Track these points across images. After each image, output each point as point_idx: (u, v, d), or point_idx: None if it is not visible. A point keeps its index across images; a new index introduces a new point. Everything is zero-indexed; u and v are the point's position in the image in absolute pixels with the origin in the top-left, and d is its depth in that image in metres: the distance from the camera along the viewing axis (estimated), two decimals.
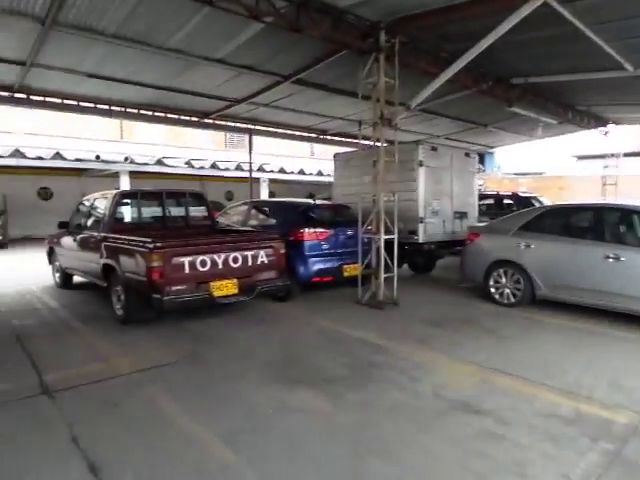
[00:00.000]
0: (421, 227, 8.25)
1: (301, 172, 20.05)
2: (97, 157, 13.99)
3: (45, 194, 19.32)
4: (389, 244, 6.83)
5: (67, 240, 7.53)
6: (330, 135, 13.87)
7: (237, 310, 6.35)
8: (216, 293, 5.36)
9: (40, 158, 13.77)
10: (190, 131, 30.63)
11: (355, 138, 14.42)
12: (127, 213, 6.51)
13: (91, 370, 4.31)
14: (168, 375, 4.20)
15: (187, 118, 10.87)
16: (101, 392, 3.83)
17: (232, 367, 4.42)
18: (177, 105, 10.20)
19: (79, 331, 5.62)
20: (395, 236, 6.87)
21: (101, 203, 6.79)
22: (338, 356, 4.68)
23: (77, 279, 8.03)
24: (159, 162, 15.83)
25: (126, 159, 14.29)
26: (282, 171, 19.16)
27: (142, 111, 10.07)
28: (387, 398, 3.74)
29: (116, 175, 17.40)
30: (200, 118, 11.05)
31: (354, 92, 9.96)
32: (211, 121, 11.28)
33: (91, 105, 9.46)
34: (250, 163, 12.02)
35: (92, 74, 7.91)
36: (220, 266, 5.40)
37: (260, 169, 18.50)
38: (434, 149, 8.55)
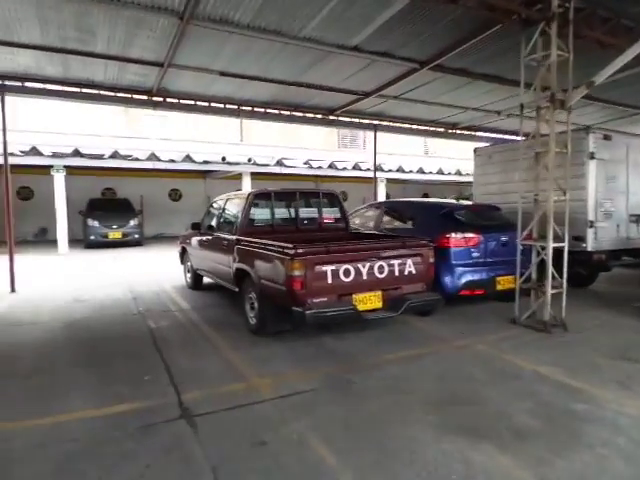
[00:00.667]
0: (590, 232, 6.84)
1: (420, 171, 18.91)
2: (223, 159, 14.34)
3: (175, 195, 20.58)
4: (555, 253, 5.64)
5: (199, 241, 7.45)
6: (460, 129, 12.63)
7: (375, 325, 5.63)
8: (360, 307, 4.68)
9: (172, 161, 14.46)
10: (303, 132, 31.07)
11: (488, 131, 13.05)
12: (260, 214, 6.14)
13: (230, 391, 3.87)
14: (312, 407, 3.58)
15: (312, 115, 10.47)
16: (244, 423, 3.32)
17: (386, 401, 3.69)
18: (303, 102, 9.82)
19: (211, 339, 5.31)
20: (565, 244, 5.65)
21: (233, 204, 6.53)
22: (518, 397, 3.71)
23: (207, 280, 7.95)
24: (279, 163, 15.84)
25: (249, 160, 14.46)
26: (401, 170, 18.21)
27: (269, 110, 9.86)
28: (610, 471, 2.73)
29: (238, 177, 17.86)
30: (325, 115, 10.59)
31: (498, 76, 8.87)
32: (335, 118, 10.76)
33: (221, 106, 9.44)
34: (375, 161, 11.32)
35: (224, 72, 7.75)
36: (364, 276, 4.72)
37: (378, 168, 17.72)
38: (607, 138, 7.06)
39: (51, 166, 13.18)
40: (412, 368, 4.39)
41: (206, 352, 4.86)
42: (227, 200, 6.72)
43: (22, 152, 12.81)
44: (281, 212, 6.33)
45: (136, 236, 15.36)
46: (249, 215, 5.90)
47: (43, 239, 17.67)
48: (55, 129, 19.43)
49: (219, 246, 6.38)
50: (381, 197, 17.51)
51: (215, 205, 7.31)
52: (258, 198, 5.96)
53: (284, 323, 5.10)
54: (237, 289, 5.91)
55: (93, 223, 14.78)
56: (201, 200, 20.85)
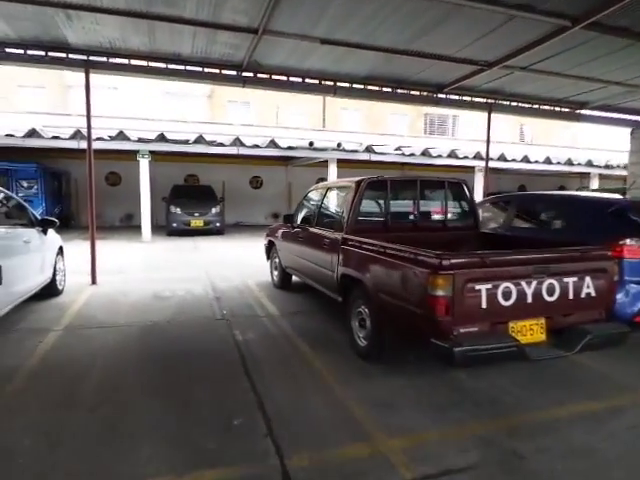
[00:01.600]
0: None
1: (525, 159, 16.77)
2: (311, 144, 13.36)
3: (256, 183, 20.05)
4: None
5: (291, 236, 6.44)
6: (590, 109, 10.61)
7: None
8: (520, 340, 3.36)
9: (256, 146, 13.72)
10: (388, 119, 29.50)
11: (625, 112, 10.89)
12: (372, 208, 4.96)
13: (349, 457, 2.75)
14: None
15: (416, 93, 9.08)
16: None
17: None
18: (407, 77, 8.47)
19: (311, 362, 4.25)
20: None
21: (337, 194, 5.41)
22: None
23: (296, 278, 6.96)
24: (368, 149, 14.57)
25: (338, 145, 13.35)
26: (502, 158, 16.22)
27: (369, 86, 8.62)
28: None
29: (320, 164, 16.86)
30: (431, 93, 9.16)
31: None
32: (444, 96, 9.29)
33: (315, 82, 8.35)
34: (487, 149, 9.71)
35: (325, 39, 6.62)
36: (529, 299, 3.39)
37: (477, 156, 15.92)
38: None
39: (137, 151, 12.92)
40: (603, 434, 3.03)
41: (307, 384, 3.79)
42: (328, 190, 5.60)
43: (110, 137, 12.63)
44: (398, 205, 5.11)
45: (217, 224, 14.88)
46: (359, 208, 4.73)
47: (129, 224, 17.85)
48: (141, 115, 19.58)
49: (318, 244, 5.31)
50: (480, 189, 15.67)
51: (312, 195, 6.24)
52: (371, 188, 4.77)
53: (406, 352, 3.90)
54: (340, 299, 4.81)
55: (176, 210, 14.47)
56: (282, 188, 20.18)
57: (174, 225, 14.44)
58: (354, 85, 8.60)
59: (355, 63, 7.77)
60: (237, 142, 13.40)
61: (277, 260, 7.28)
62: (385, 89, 8.81)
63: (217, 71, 7.76)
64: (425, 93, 9.17)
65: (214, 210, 14.89)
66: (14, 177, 13.61)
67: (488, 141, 9.85)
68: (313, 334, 5.04)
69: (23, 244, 5.08)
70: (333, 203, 5.47)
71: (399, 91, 8.95)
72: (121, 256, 10.54)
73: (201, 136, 13.13)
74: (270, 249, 7.66)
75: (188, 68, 7.57)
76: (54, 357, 4.26)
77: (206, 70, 7.69)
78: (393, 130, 26.58)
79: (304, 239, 5.85)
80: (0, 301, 4.36)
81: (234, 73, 7.84)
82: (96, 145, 12.44)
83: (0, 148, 13.16)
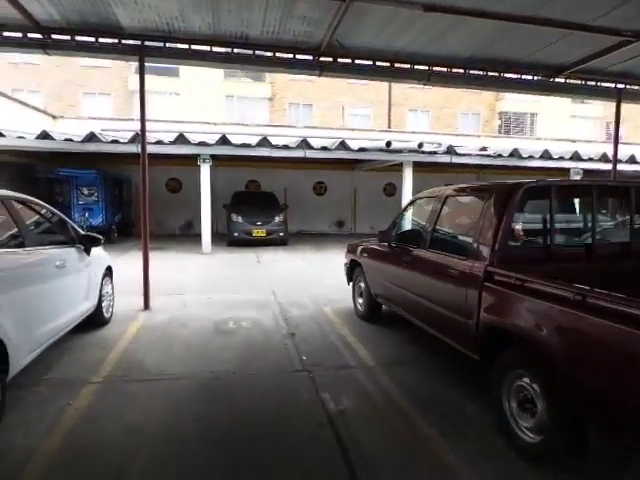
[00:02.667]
0: None
1: (631, 160, 14.37)
2: (388, 144, 11.84)
3: (320, 188, 18.81)
4: None
5: (387, 258, 5.01)
6: None
7: None
8: None
9: (325, 148, 12.42)
10: (457, 119, 27.40)
11: None
12: (529, 226, 3.42)
13: None
14: None
15: (529, 77, 7.39)
16: None
17: None
18: (520, 57, 6.82)
19: (444, 460, 2.80)
20: None
21: (467, 205, 3.92)
22: None
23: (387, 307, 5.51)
24: (449, 150, 12.87)
25: (420, 146, 11.72)
26: (604, 159, 13.92)
27: (471, 70, 7.05)
28: None
29: (388, 168, 15.36)
30: (547, 76, 7.44)
31: None
32: (562, 80, 7.53)
33: (406, 66, 6.90)
34: (615, 148, 7.83)
35: (430, 5, 5.16)
36: None
37: (575, 157, 13.79)
38: None
39: (198, 156, 11.99)
40: None
41: None
42: (448, 198, 4.10)
43: (170, 142, 11.78)
44: (565, 221, 3.55)
45: (281, 234, 13.70)
46: (509, 227, 3.21)
47: (188, 232, 17.14)
48: (201, 118, 18.94)
49: (436, 274, 3.84)
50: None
51: (422, 205, 4.75)
52: (530, 197, 3.24)
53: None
54: (478, 357, 3.31)
55: (237, 219, 13.44)
56: (347, 194, 18.81)
57: (235, 234, 13.41)
58: (453, 70, 7.06)
59: (458, 41, 6.26)
60: (304, 144, 12.15)
61: (362, 285, 5.87)
62: (491, 73, 7.19)
63: (290, 56, 6.49)
64: (538, 77, 7.46)
65: (277, 219, 13.74)
66: (75, 184, 13.12)
67: (616, 139, 7.95)
68: (432, 403, 3.56)
69: (54, 269, 3.98)
70: (460, 217, 3.99)
71: (507, 75, 7.30)
72: (179, 271, 9.54)
73: (265, 138, 12.00)
74: (352, 270, 6.27)
75: (257, 53, 6.37)
76: (82, 436, 3.05)
77: (277, 55, 6.45)
78: (464, 131, 24.55)
79: (410, 264, 4.39)
80: (17, 350, 3.23)
81: (310, 58, 6.56)
82: (155, 149, 11.68)
83: (60, 154, 12.75)
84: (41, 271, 3.74)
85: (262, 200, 14.82)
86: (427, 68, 6.98)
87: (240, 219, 13.41)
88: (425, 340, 4.70)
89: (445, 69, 7.04)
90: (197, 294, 7.36)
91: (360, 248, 5.95)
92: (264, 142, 12.07)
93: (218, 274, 9.21)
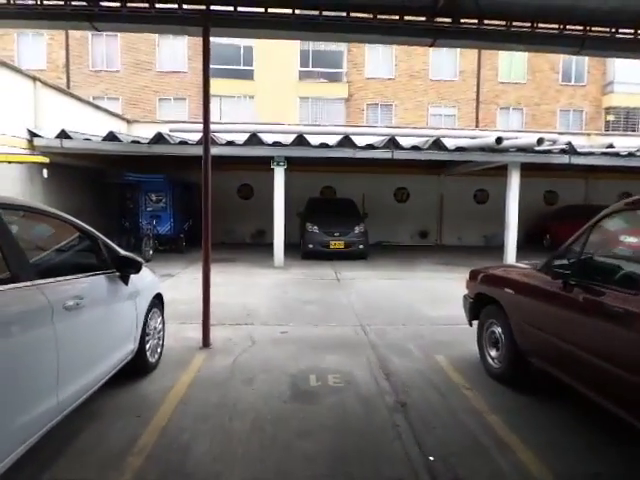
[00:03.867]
0: None
1: None
2: (498, 140, 9.82)
3: (401, 195, 17.01)
4: None
5: (555, 298, 3.24)
6: None
7: None
8: None
9: (416, 148, 10.64)
10: (558, 116, 24.25)
11: None
12: None
13: None
14: None
15: None
16: None
17: None
18: None
19: None
20: None
21: None
22: None
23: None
24: (566, 150, 10.58)
25: (539, 141, 9.61)
26: None
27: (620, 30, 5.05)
28: None
29: (479, 173, 13.31)
30: None
31: None
32: None
33: (554, 27, 5.04)
34: None
35: None
36: None
37: None
38: None
39: (271, 158, 10.72)
40: None
41: None
42: None
43: (243, 144, 10.62)
44: None
45: (361, 246, 12.10)
46: None
47: (260, 242, 16.03)
48: (272, 118, 17.87)
49: None
50: None
51: (622, 222, 2.96)
52: None
53: None
54: None
55: (313, 228, 12.02)
56: (433, 201, 16.84)
57: (310, 246, 12.00)
58: (620, 31, 5.10)
59: None
60: (391, 144, 10.49)
61: (499, 331, 4.10)
62: None
63: (395, 17, 4.88)
64: None
65: (357, 229, 12.16)
66: (143, 189, 12.38)
67: None
68: None
69: (63, 313, 2.64)
70: None
71: None
72: (248, 290, 8.22)
73: (347, 137, 10.49)
74: (478, 308, 4.51)
75: (353, 15, 4.83)
76: None
77: (381, 18, 4.86)
78: (563, 130, 21.60)
79: (613, 318, 2.62)
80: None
81: (422, 20, 4.91)
82: (226, 151, 10.58)
83: (132, 158, 12.07)
84: (35, 321, 2.40)
85: (340, 208, 13.32)
86: (581, 29, 5.07)
87: (316, 229, 11.99)
88: (610, 423, 2.87)
89: (607, 30, 5.09)
90: (268, 325, 5.94)
91: (497, 277, 4.19)
92: (345, 142, 10.56)
93: (293, 297, 7.76)
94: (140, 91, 22.08)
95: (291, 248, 12.13)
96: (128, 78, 22.10)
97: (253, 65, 22.04)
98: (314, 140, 10.64)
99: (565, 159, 10.63)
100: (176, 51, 22.01)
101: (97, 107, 13.76)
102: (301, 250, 12.40)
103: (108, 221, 13.41)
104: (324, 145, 10.43)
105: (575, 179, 16.30)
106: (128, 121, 16.05)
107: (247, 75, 21.97)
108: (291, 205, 13.42)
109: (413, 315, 6.60)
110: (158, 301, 4.45)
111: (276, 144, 10.57)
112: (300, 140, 10.54)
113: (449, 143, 10.76)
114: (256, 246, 15.28)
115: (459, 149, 10.60)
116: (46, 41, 21.68)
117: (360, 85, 22.54)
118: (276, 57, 21.46)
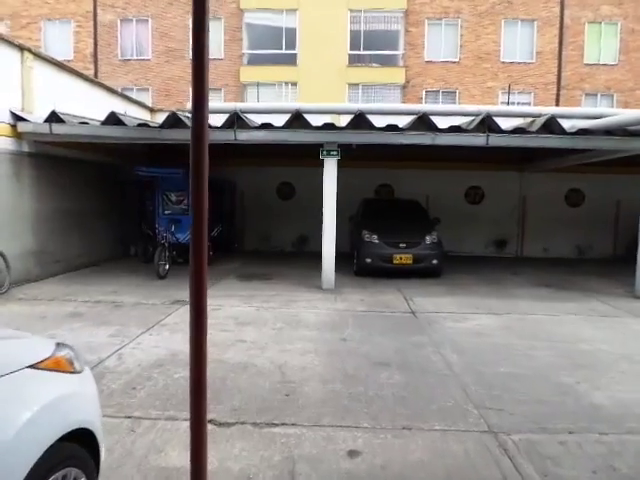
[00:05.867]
0: None
1: None
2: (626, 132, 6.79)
3: (474, 195, 14.02)
4: None
5: None
6: None
7: None
8: None
9: (521, 131, 7.74)
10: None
11: None
12: None
13: None
14: None
15: None
16: None
17: None
18: None
19: None
20: None
21: None
22: None
23: None
24: None
25: None
26: None
27: None
28: None
29: (574, 169, 10.23)
30: None
31: None
32: None
33: None
34: None
35: None
36: None
37: None
38: None
39: (320, 146, 8.10)
40: None
41: None
42: None
43: (282, 126, 8.07)
44: None
45: (434, 261, 9.29)
46: None
47: (302, 250, 13.46)
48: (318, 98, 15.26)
49: None
50: None
51: None
52: None
53: None
54: None
55: (371, 238, 9.32)
56: (513, 203, 13.75)
57: (367, 260, 9.29)
58: None
59: None
60: (484, 126, 7.63)
61: None
62: None
63: None
64: None
65: (429, 239, 9.36)
66: (161, 188, 10.03)
67: None
68: None
69: None
70: None
71: None
72: (288, 337, 5.58)
73: (423, 117, 7.74)
74: None
75: None
76: None
77: None
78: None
79: None
80: None
81: None
82: (261, 136, 8.10)
83: (145, 150, 9.79)
84: None
85: (404, 211, 10.55)
86: None
87: (375, 238, 9.27)
88: None
89: None
90: (323, 428, 3.29)
91: None
92: (419, 124, 7.80)
93: (356, 351, 5.04)
94: (172, 81, 20.10)
95: (339, 259, 9.37)
96: (160, 67, 20.18)
97: (296, 49, 19.60)
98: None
99: None
100: (211, 37, 19.91)
101: (112, 90, 11.59)
102: (355, 264, 9.72)
103: (119, 226, 11.22)
104: (392, 127, 7.70)
105: (609, 175, 12.62)
106: (152, 110, 13.91)
107: (289, 60, 19.56)
108: (341, 207, 10.75)
109: (567, 402, 3.80)
110: (81, 450, 1.88)
111: (327, 126, 7.96)
112: (358, 121, 7.87)
113: (565, 124, 7.77)
114: (297, 256, 12.70)
115: (582, 132, 7.59)
116: (73, 29, 20.08)
117: (418, 70, 19.62)
118: (322, 39, 18.96)
